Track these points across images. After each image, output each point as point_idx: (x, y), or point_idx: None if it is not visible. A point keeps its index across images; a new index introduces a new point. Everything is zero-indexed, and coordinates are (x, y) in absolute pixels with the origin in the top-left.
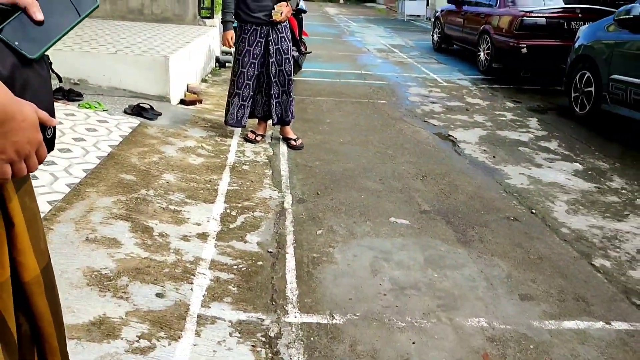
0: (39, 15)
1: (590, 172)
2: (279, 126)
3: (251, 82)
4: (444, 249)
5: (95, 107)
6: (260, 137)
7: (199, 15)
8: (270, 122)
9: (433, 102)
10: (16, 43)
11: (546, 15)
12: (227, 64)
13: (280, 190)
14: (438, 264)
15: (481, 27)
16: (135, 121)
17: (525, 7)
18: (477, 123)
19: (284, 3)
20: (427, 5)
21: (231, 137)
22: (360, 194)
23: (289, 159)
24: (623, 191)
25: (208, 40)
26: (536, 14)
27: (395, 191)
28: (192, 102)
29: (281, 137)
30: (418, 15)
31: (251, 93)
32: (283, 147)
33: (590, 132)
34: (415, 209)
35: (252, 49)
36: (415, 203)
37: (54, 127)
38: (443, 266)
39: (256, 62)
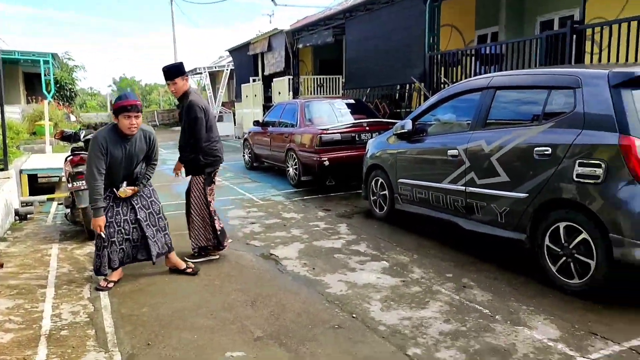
0: None
1: (395, 268)
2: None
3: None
4: None
5: None
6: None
7: None
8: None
9: (252, 223)
10: None
11: (340, 131)
12: (28, 216)
13: (106, 350)
14: None
15: (287, 145)
16: None
17: (322, 125)
18: (295, 237)
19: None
20: (235, 125)
21: (43, 301)
22: (192, 334)
23: (113, 311)
24: (422, 280)
25: (3, 194)
26: (331, 131)
27: (227, 323)
28: None
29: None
30: (227, 135)
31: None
32: (105, 300)
33: (391, 230)
34: (249, 337)
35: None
36: (248, 331)
37: None
38: None
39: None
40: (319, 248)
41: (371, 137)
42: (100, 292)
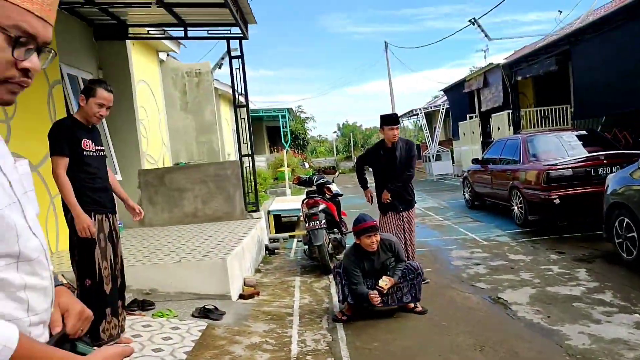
0: None
1: None
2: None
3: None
4: None
5: (167, 315)
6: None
7: (246, 210)
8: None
9: (477, 264)
10: None
11: (571, 165)
12: (276, 251)
13: None
14: None
15: (510, 183)
16: (203, 323)
17: (549, 161)
18: (524, 281)
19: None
20: (453, 163)
21: (291, 328)
22: None
23: (348, 343)
24: None
25: (257, 232)
26: (561, 166)
27: None
28: (251, 296)
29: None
30: (446, 174)
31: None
32: (341, 332)
33: None
34: None
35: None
36: None
37: None
38: None
39: None
40: (553, 294)
41: (611, 172)
42: (337, 323)
